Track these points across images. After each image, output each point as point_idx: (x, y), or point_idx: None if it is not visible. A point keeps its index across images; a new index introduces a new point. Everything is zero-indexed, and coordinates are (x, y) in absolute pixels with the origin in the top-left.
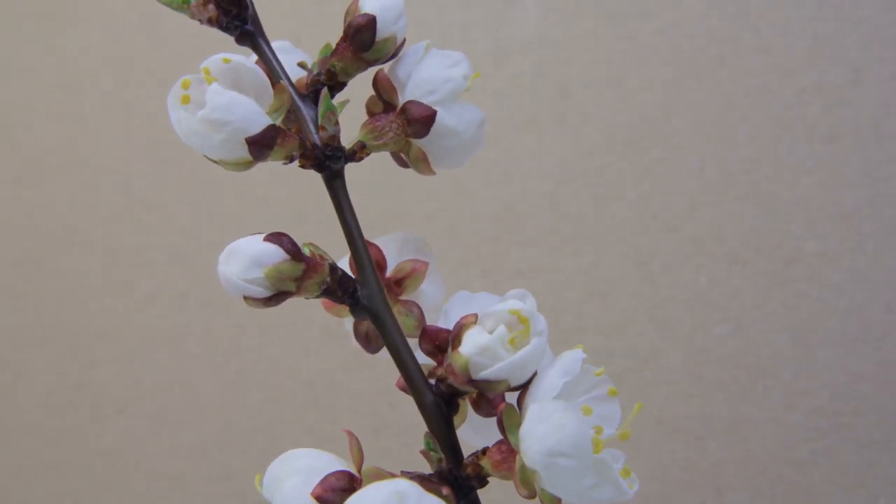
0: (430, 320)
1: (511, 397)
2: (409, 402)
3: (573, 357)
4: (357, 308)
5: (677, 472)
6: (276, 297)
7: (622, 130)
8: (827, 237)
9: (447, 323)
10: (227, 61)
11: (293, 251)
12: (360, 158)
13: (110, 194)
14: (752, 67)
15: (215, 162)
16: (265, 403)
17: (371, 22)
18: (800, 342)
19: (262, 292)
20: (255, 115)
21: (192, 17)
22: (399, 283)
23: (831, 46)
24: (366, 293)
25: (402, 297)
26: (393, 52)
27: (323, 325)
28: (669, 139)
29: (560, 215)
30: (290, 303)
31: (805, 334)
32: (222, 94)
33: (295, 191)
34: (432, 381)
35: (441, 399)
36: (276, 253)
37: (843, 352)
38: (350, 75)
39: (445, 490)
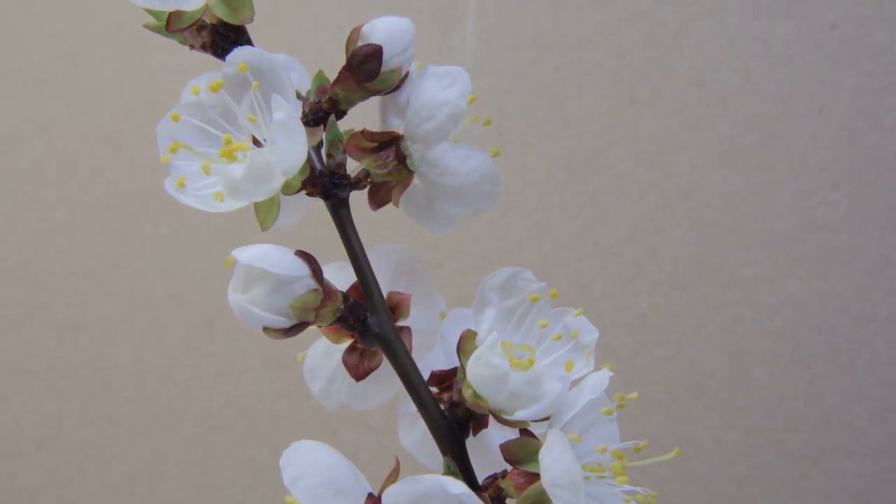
0: (428, 343)
1: None
2: (353, 430)
3: (601, 376)
4: (367, 335)
5: None
6: (298, 327)
7: (563, 159)
8: (761, 262)
9: (444, 346)
10: (243, 69)
11: (318, 277)
12: (364, 187)
13: (28, 220)
14: (688, 99)
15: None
16: (200, 435)
17: (378, 52)
18: (736, 363)
19: (284, 322)
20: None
21: (184, 42)
22: (393, 311)
23: (763, 81)
24: (375, 320)
25: (398, 324)
26: (398, 82)
27: (261, 353)
28: (610, 167)
29: (503, 242)
30: (224, 329)
31: (741, 355)
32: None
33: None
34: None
35: (455, 423)
36: (304, 281)
37: (777, 371)
38: (352, 104)
39: None
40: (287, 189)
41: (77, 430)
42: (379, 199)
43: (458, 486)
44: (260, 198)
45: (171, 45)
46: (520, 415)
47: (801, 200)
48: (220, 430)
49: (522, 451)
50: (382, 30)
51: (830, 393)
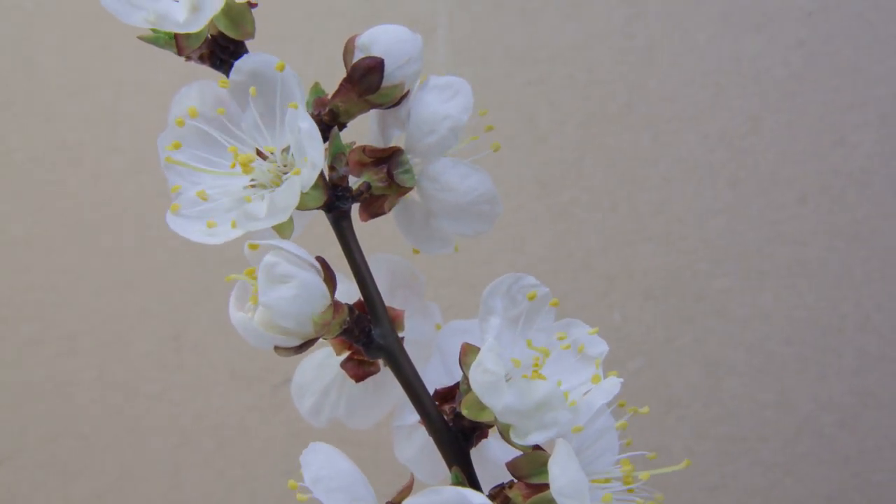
0: (424, 355)
1: None
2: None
3: (612, 383)
4: (371, 347)
5: None
6: (308, 344)
7: (535, 173)
8: (732, 275)
9: (443, 358)
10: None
11: (333, 290)
12: (365, 199)
13: None
14: (659, 114)
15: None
16: (168, 450)
17: (379, 65)
18: (709, 374)
19: (294, 341)
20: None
21: (180, 53)
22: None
23: (732, 97)
24: (379, 332)
25: None
26: (400, 97)
27: (229, 365)
28: (582, 181)
29: (475, 255)
30: (192, 343)
31: (713, 366)
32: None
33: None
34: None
35: (460, 433)
36: (324, 295)
37: (748, 382)
38: (352, 116)
39: None
40: (306, 205)
41: (41, 445)
42: (372, 210)
43: (479, 497)
44: (284, 218)
45: (134, 55)
46: (532, 440)
47: (770, 214)
48: (189, 445)
49: (531, 466)
50: (383, 41)
51: (800, 402)
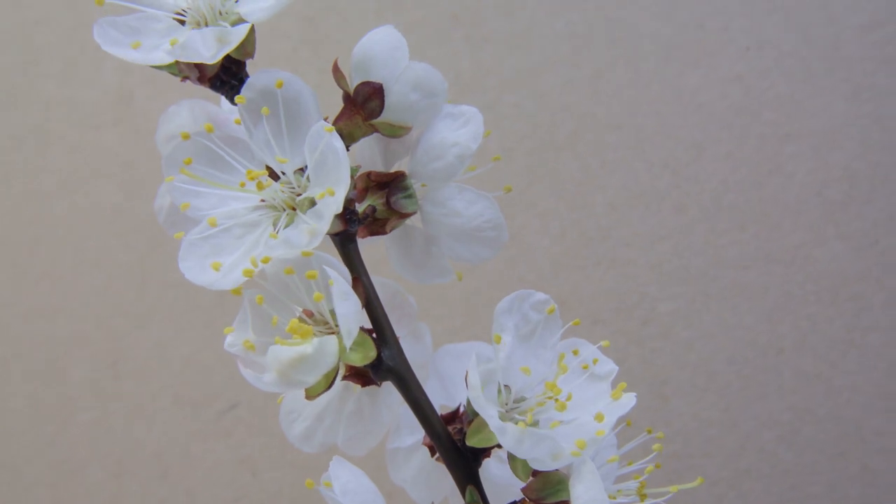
0: (421, 376)
1: None
2: (274, 470)
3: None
4: (381, 369)
5: None
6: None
7: None
8: (677, 298)
9: (439, 380)
10: (280, 84)
11: None
12: (369, 223)
13: None
14: (606, 142)
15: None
16: (106, 480)
17: (378, 90)
18: (656, 393)
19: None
20: None
21: (178, 73)
22: None
23: (676, 127)
24: (388, 354)
25: None
26: (405, 133)
27: (171, 391)
28: (532, 207)
29: None
30: (131, 370)
31: (660, 386)
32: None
33: (133, 248)
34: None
35: (468, 452)
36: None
37: (694, 401)
38: (355, 140)
39: None
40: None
41: None
42: (373, 229)
43: None
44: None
45: (62, 73)
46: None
47: (713, 240)
48: (129, 475)
49: (546, 487)
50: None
51: (743, 420)
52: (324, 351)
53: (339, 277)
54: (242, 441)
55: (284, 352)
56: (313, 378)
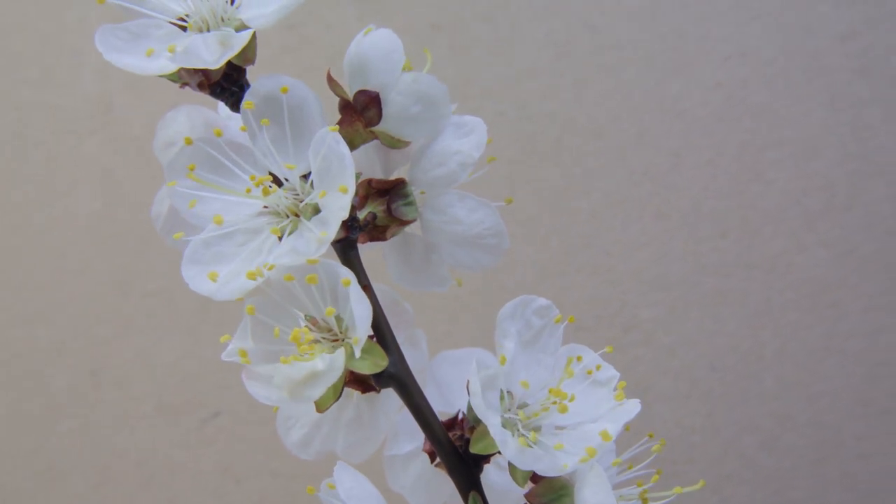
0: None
1: None
2: (258, 478)
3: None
4: (383, 376)
5: None
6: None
7: None
8: (658, 305)
9: (437, 386)
10: (285, 90)
11: None
12: (370, 229)
13: None
14: (588, 150)
15: None
16: (90, 489)
17: (375, 99)
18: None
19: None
20: None
21: (178, 80)
22: None
23: (656, 134)
24: (390, 360)
25: None
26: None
27: (154, 399)
28: (515, 215)
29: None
30: (112, 378)
31: (642, 393)
32: None
33: (117, 262)
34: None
35: (470, 459)
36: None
37: (676, 407)
38: (355, 146)
39: None
40: None
41: None
42: (373, 236)
43: None
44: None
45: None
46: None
47: (693, 247)
48: (112, 484)
49: (549, 493)
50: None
51: (725, 425)
52: (333, 366)
53: (355, 278)
54: (226, 449)
55: (294, 371)
56: (320, 392)
